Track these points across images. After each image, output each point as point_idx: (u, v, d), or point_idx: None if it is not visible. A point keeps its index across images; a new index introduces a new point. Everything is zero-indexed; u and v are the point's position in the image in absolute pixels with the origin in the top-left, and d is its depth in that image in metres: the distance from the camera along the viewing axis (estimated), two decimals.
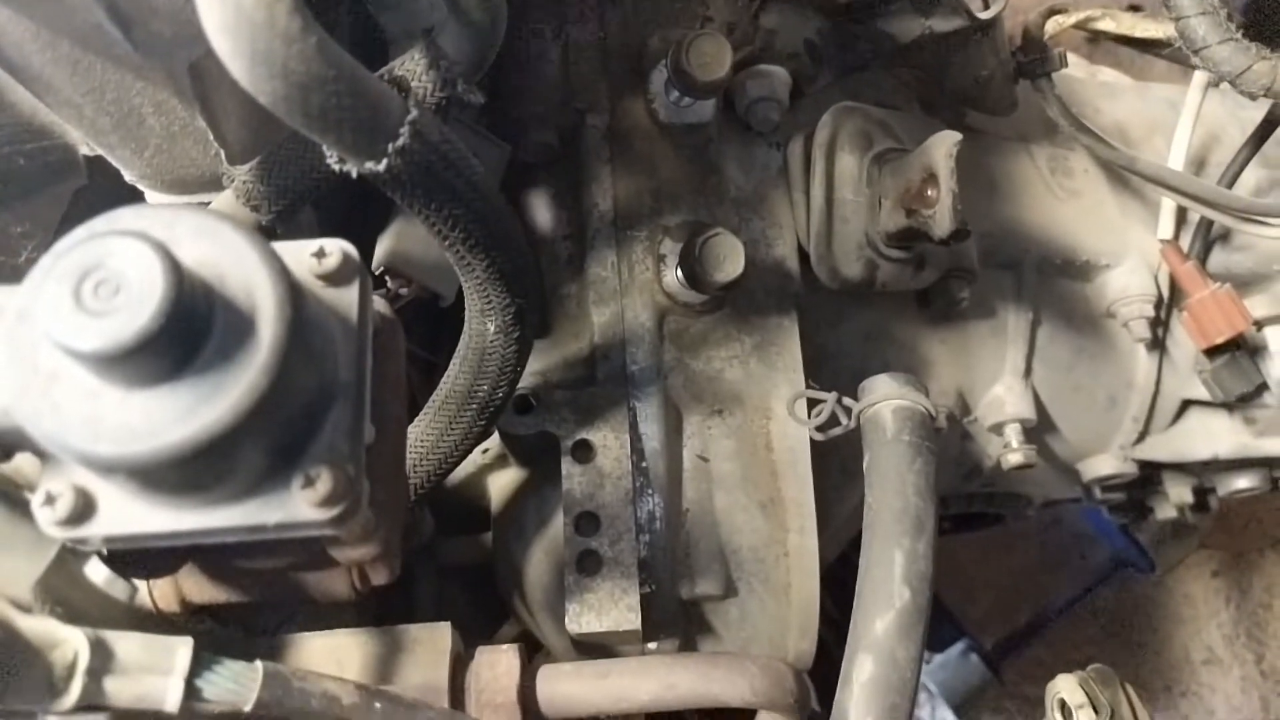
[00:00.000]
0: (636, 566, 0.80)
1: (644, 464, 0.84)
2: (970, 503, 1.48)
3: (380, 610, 0.87)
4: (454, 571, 1.01)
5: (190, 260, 0.40)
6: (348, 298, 0.48)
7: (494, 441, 0.92)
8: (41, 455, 0.45)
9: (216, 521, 0.44)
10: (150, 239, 0.39)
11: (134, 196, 0.70)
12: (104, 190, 0.74)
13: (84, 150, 0.68)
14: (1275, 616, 2.42)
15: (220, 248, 0.42)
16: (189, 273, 0.39)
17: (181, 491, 0.44)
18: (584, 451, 0.83)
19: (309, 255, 0.47)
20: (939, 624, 2.23)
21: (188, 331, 0.39)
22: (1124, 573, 2.34)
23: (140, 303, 0.37)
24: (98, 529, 0.44)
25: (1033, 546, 2.40)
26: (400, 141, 0.49)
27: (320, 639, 0.67)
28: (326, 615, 0.74)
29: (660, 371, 0.87)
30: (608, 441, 0.83)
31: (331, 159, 0.50)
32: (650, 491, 0.83)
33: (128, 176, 0.66)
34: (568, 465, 0.83)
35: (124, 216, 0.42)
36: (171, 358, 0.40)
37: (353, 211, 0.80)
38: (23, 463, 0.48)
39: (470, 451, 0.80)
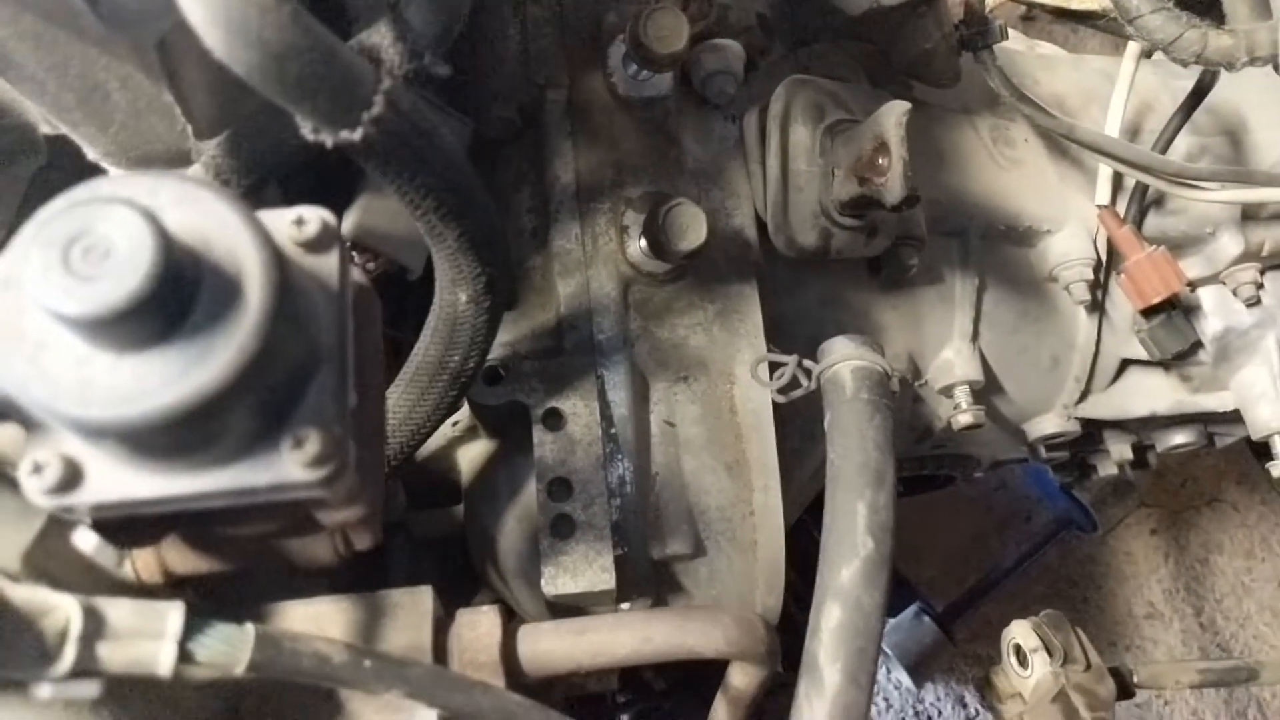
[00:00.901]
0: (609, 529, 0.82)
1: (613, 430, 0.86)
2: (922, 465, 1.52)
3: (355, 585, 0.88)
4: (426, 544, 1.02)
5: (175, 226, 0.41)
6: (328, 264, 0.49)
7: (463, 414, 0.93)
8: (27, 425, 0.45)
9: (206, 485, 0.45)
10: (136, 204, 0.39)
11: (95, 174, 0.70)
12: (64, 169, 0.73)
13: (44, 129, 0.68)
14: (1212, 571, 2.50)
15: (203, 213, 0.43)
16: (175, 237, 0.40)
17: (171, 456, 0.45)
18: (554, 419, 0.85)
19: (288, 223, 0.48)
20: (891, 588, 2.27)
21: (176, 295, 0.40)
22: (1068, 533, 2.40)
23: (129, 266, 0.38)
24: (86, 496, 0.45)
25: (980, 510, 2.46)
26: (375, 110, 0.50)
27: (301, 607, 0.68)
28: (302, 589, 0.75)
29: (626, 340, 0.89)
30: (577, 409, 0.85)
31: (305, 129, 0.51)
32: (620, 457, 0.85)
33: (90, 154, 0.65)
34: (539, 433, 0.84)
35: (104, 185, 0.42)
36: (160, 321, 0.40)
37: (316, 187, 0.81)
38: (3, 437, 0.48)
39: (442, 423, 0.81)
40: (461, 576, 1.01)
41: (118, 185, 0.42)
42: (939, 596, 2.31)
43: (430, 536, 1.03)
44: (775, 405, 0.91)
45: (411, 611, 0.69)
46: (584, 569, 0.81)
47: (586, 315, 0.89)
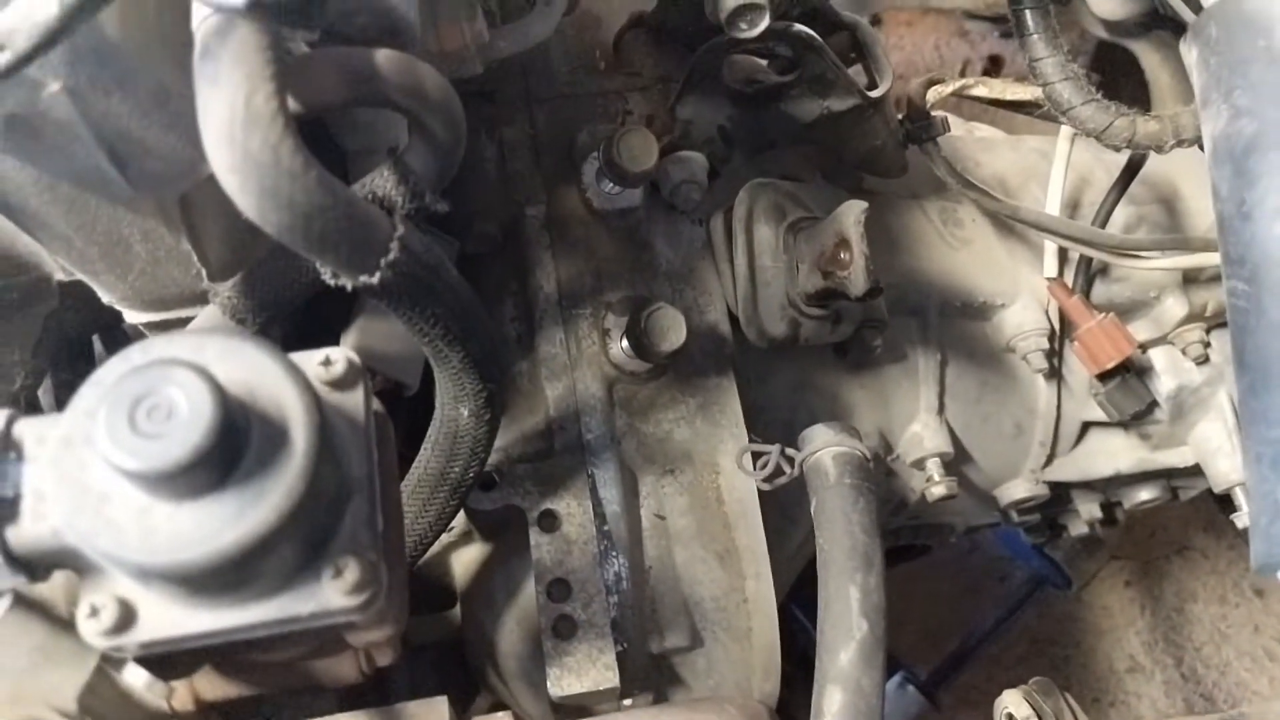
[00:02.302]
0: (610, 627, 0.85)
1: (606, 527, 0.89)
2: (898, 536, 1.55)
3: (355, 694, 0.90)
4: (422, 650, 1.04)
5: (224, 379, 0.45)
6: (353, 400, 0.53)
7: (457, 519, 0.96)
8: (80, 571, 0.48)
9: (254, 617, 0.48)
10: (194, 365, 0.43)
11: (107, 316, 0.74)
12: (75, 312, 0.77)
13: (59, 276, 0.71)
14: (1189, 620, 2.52)
15: (247, 366, 0.47)
16: (227, 392, 0.44)
17: (220, 592, 0.48)
18: (549, 520, 0.88)
19: (316, 364, 0.52)
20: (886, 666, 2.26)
21: (230, 445, 0.44)
22: (1043, 591, 2.40)
23: (192, 424, 0.42)
24: (140, 635, 0.48)
25: (955, 575, 2.47)
26: (391, 256, 0.54)
27: None
28: (314, 705, 0.76)
29: (614, 438, 0.93)
30: (571, 509, 0.88)
31: (326, 275, 0.55)
32: (615, 553, 0.89)
33: (107, 299, 0.69)
34: (535, 535, 0.87)
35: (157, 346, 0.46)
36: (217, 471, 0.44)
37: (309, 315, 0.85)
38: (57, 584, 0.51)
39: (443, 532, 0.84)
40: (458, 681, 1.03)
41: (169, 346, 0.46)
42: (921, 663, 2.31)
43: (426, 642, 1.04)
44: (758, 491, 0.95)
45: None
46: (588, 668, 0.84)
47: (574, 416, 0.93)
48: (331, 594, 0.48)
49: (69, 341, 0.78)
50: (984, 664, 2.33)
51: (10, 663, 0.49)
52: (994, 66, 2.40)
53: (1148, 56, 1.19)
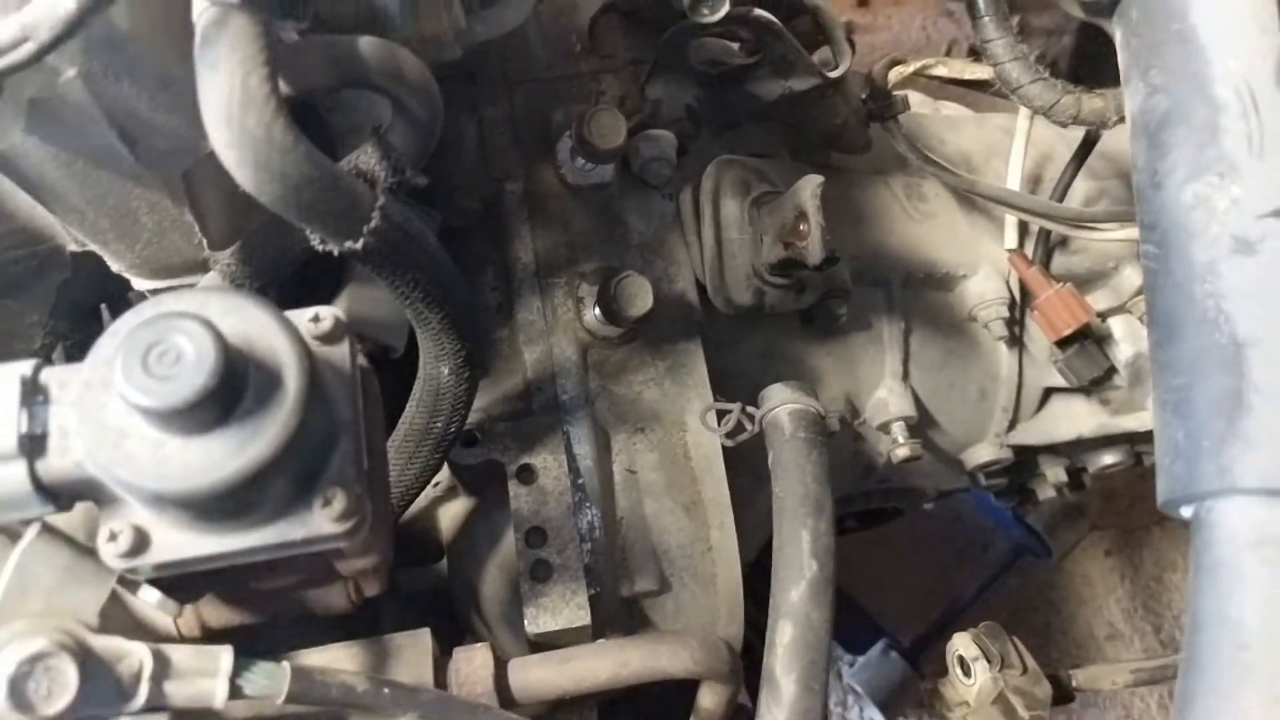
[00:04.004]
0: (583, 570, 0.91)
1: (580, 480, 0.96)
2: (869, 499, 1.60)
3: (347, 634, 0.96)
4: (411, 599, 1.10)
5: (226, 331, 0.51)
6: (340, 353, 0.59)
7: (443, 475, 1.02)
8: (100, 501, 0.55)
9: (253, 541, 0.55)
10: (199, 317, 0.49)
11: (117, 283, 0.80)
12: (85, 281, 0.83)
13: (72, 247, 0.78)
14: (1167, 588, 2.57)
15: (246, 319, 0.53)
16: (229, 341, 0.50)
17: (223, 520, 0.54)
18: (527, 474, 0.95)
19: (307, 320, 0.58)
20: (857, 626, 2.31)
21: (231, 387, 0.50)
22: (1024, 560, 2.44)
23: (198, 367, 0.48)
24: (153, 557, 0.54)
25: (938, 544, 2.52)
26: (373, 224, 0.61)
27: (316, 653, 0.76)
28: (310, 640, 0.83)
29: (588, 398, 0.99)
30: (547, 463, 0.95)
31: (315, 241, 0.61)
32: (588, 504, 0.95)
33: (115, 267, 0.75)
34: (514, 487, 0.94)
35: (165, 302, 0.52)
36: (220, 409, 0.50)
37: (304, 280, 0.91)
38: (78, 514, 0.58)
39: (427, 484, 0.91)
40: (445, 627, 1.09)
41: (176, 301, 0.52)
42: (904, 631, 2.35)
43: (415, 592, 1.11)
44: (725, 449, 1.02)
45: (413, 651, 0.78)
46: (562, 608, 0.91)
47: (550, 378, 0.99)
48: (321, 521, 0.55)
49: (79, 309, 0.85)
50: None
51: (41, 581, 0.56)
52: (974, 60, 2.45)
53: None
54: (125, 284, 0.80)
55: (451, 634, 1.10)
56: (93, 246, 0.73)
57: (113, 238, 0.70)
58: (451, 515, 1.06)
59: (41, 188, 0.65)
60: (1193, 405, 0.66)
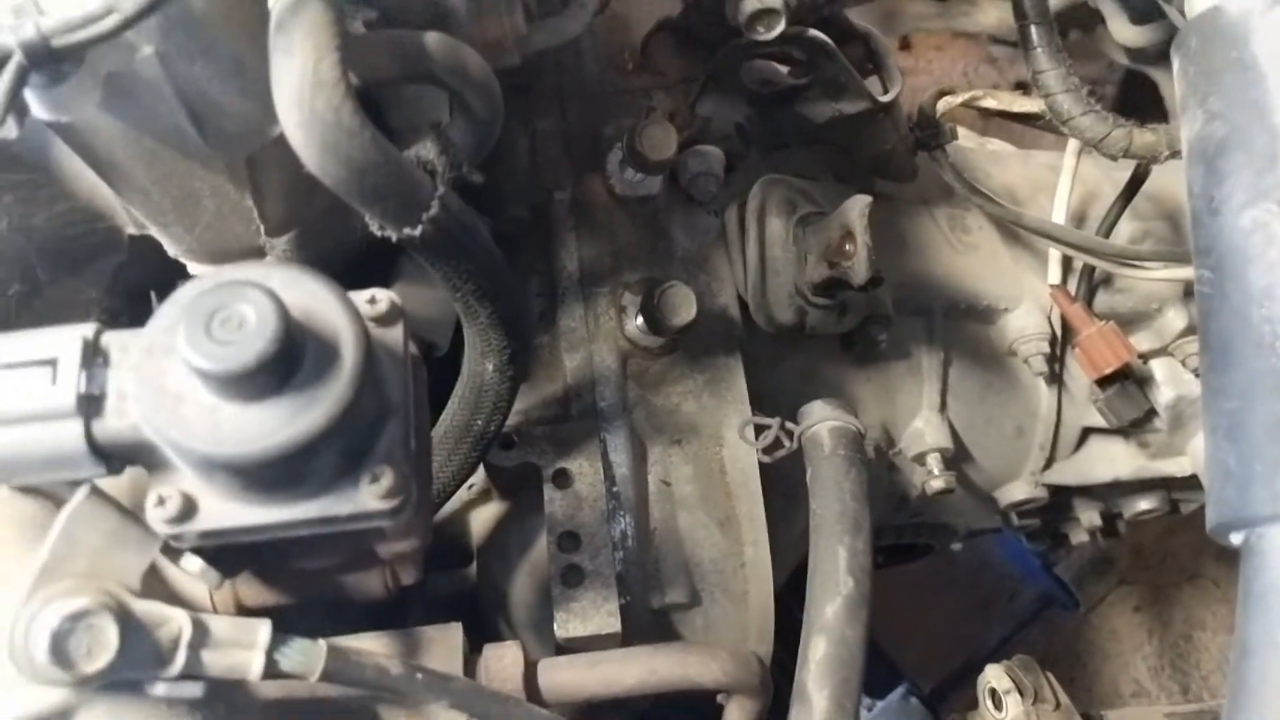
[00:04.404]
0: (615, 578, 0.91)
1: (615, 489, 0.96)
2: (900, 534, 1.59)
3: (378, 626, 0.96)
4: (439, 604, 1.10)
5: (287, 302, 0.52)
6: (394, 336, 0.60)
7: (477, 478, 1.03)
8: (150, 467, 0.56)
9: (299, 514, 0.55)
10: (262, 286, 0.50)
11: (169, 271, 0.81)
12: (141, 265, 0.85)
13: (130, 230, 0.79)
14: (1196, 648, 2.52)
15: (307, 293, 0.54)
16: (289, 311, 0.51)
17: (271, 490, 0.55)
18: (563, 478, 0.95)
19: (364, 301, 0.59)
20: (878, 670, 2.28)
21: (289, 357, 0.51)
22: (1051, 611, 2.41)
23: (259, 334, 0.49)
24: (200, 524, 0.55)
25: (964, 591, 2.49)
26: (432, 212, 0.62)
27: (348, 641, 0.76)
28: (339, 634, 0.83)
29: (626, 407, 1.00)
30: (583, 469, 0.95)
31: (374, 227, 0.63)
32: (622, 513, 0.95)
33: (173, 251, 0.77)
34: (549, 491, 0.94)
35: (229, 272, 0.53)
36: (277, 377, 0.51)
37: (353, 281, 0.92)
38: (128, 478, 0.58)
39: (464, 482, 0.91)
40: (472, 630, 1.09)
41: (239, 271, 0.53)
42: (926, 678, 2.32)
43: (442, 596, 1.11)
44: (761, 466, 1.01)
45: (443, 645, 0.78)
46: (592, 614, 0.90)
47: (590, 386, 1.00)
48: (367, 498, 0.55)
49: (134, 292, 0.86)
50: None
51: (87, 543, 0.56)
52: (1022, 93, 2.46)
53: (1167, 85, 1.25)
54: (179, 272, 0.81)
55: (478, 639, 1.10)
56: (152, 229, 0.74)
57: (173, 220, 0.71)
58: (483, 520, 1.06)
59: (109, 165, 0.66)
60: (1245, 430, 0.65)
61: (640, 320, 0.99)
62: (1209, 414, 0.70)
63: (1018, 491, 1.42)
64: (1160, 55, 1.19)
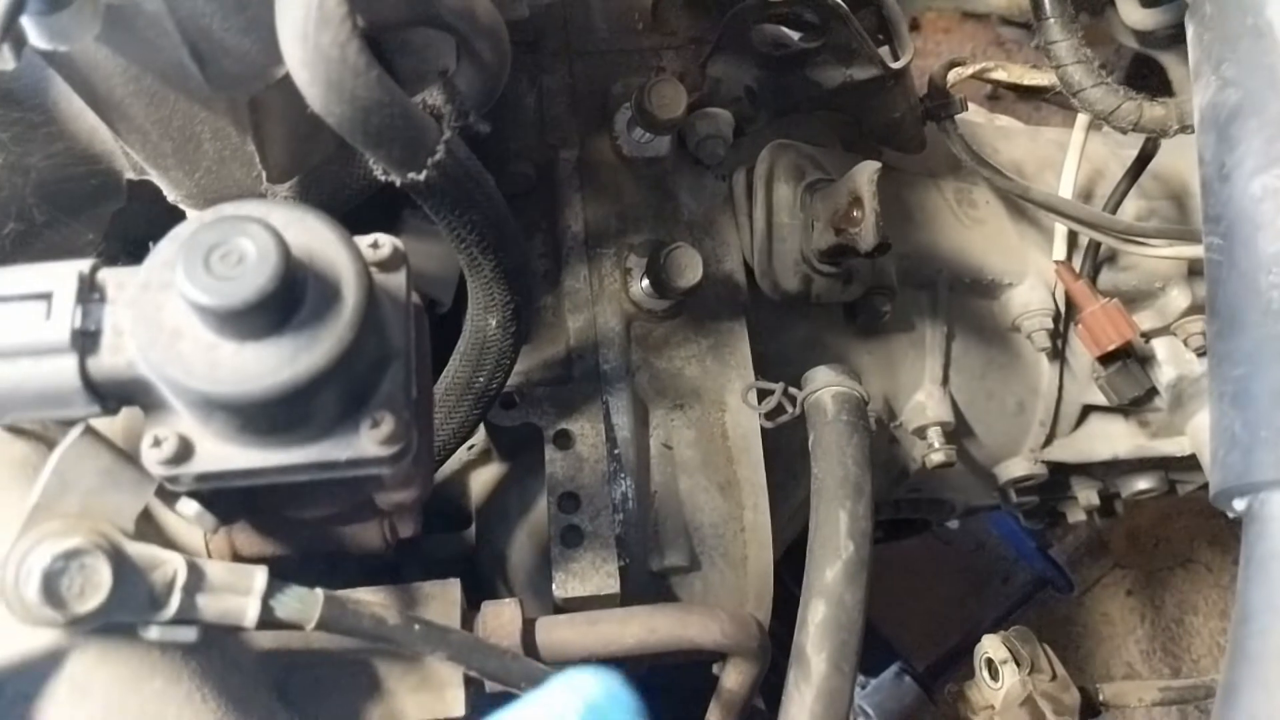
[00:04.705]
0: (614, 539, 0.91)
1: (616, 451, 0.95)
2: (898, 509, 1.59)
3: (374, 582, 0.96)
4: (437, 565, 1.10)
5: (288, 240, 0.51)
6: (396, 281, 0.59)
7: (477, 439, 1.02)
8: (146, 408, 0.55)
9: (297, 458, 0.54)
10: (263, 221, 0.49)
11: (167, 219, 0.80)
12: (138, 212, 0.84)
13: (129, 174, 0.78)
14: (1188, 631, 2.54)
15: (309, 232, 0.53)
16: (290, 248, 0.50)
17: (269, 433, 0.54)
18: (564, 439, 0.94)
19: (367, 245, 0.58)
20: (873, 648, 2.29)
21: (290, 295, 0.50)
22: (1045, 593, 2.43)
23: (259, 269, 0.48)
24: (196, 467, 0.54)
25: (958, 572, 2.51)
26: (437, 156, 0.60)
27: (343, 594, 0.76)
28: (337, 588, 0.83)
29: (629, 370, 0.99)
30: (584, 431, 0.95)
31: (378, 171, 0.61)
32: (623, 475, 0.95)
33: (171, 196, 0.76)
34: (550, 451, 0.94)
35: (229, 209, 0.52)
36: (277, 316, 0.50)
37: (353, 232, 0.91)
38: (122, 419, 0.57)
39: (465, 441, 0.90)
40: (470, 593, 1.09)
41: (240, 207, 0.52)
42: (919, 656, 2.34)
43: (439, 558, 1.11)
44: (762, 438, 1.01)
45: (442, 601, 0.77)
46: (591, 574, 0.90)
47: (593, 347, 0.99)
48: (367, 443, 0.54)
49: (131, 239, 0.85)
50: None
51: (80, 483, 0.55)
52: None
53: (1175, 69, 1.24)
54: (176, 219, 0.80)
55: (476, 600, 1.10)
56: (151, 174, 0.73)
57: (173, 163, 0.70)
58: (482, 481, 1.05)
59: (109, 104, 0.65)
60: (1251, 395, 0.64)
61: (645, 282, 0.98)
62: (1215, 380, 0.69)
63: (1017, 468, 1.42)
64: (1170, 38, 1.18)
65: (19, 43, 0.54)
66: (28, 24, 0.54)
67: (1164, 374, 1.42)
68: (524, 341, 0.86)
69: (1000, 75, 1.29)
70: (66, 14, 0.53)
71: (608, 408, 0.96)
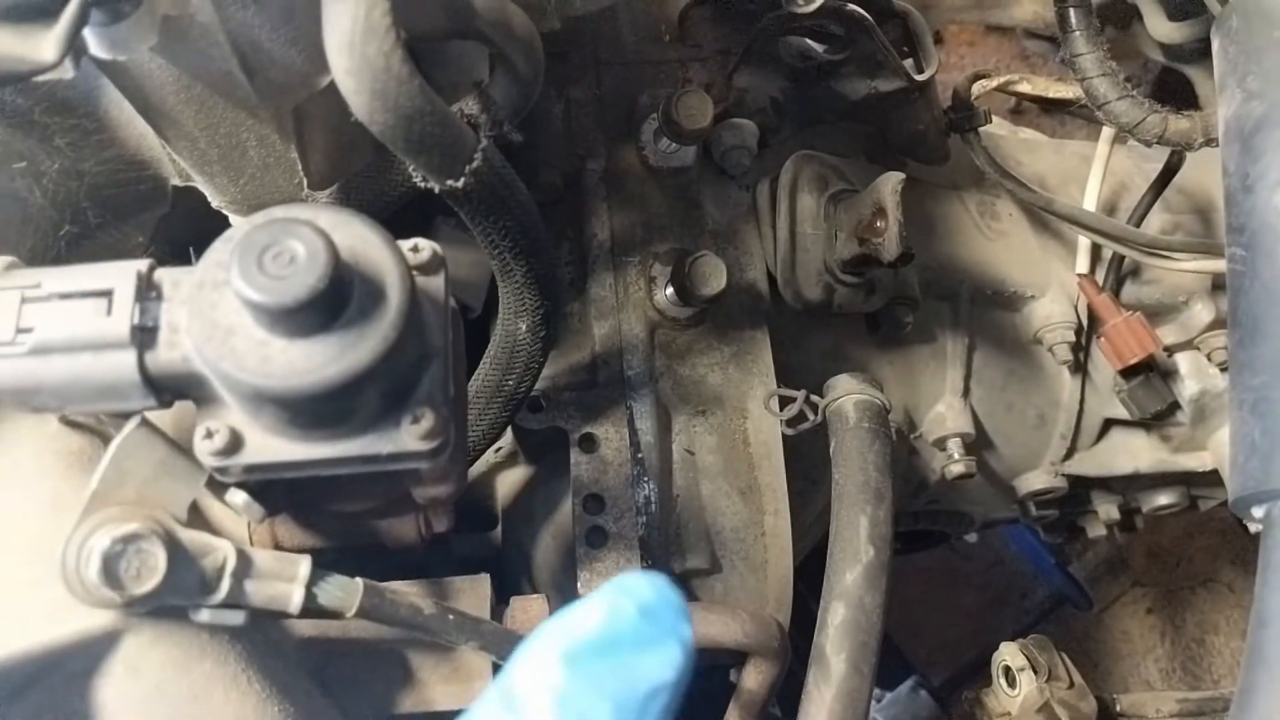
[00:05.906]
0: (638, 540, 0.93)
1: (640, 455, 0.97)
2: (917, 520, 1.59)
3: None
4: (464, 565, 1.12)
5: (336, 241, 0.53)
6: (436, 284, 0.61)
7: (505, 441, 1.04)
8: (199, 401, 0.57)
9: (341, 451, 0.57)
10: (312, 224, 0.52)
11: (211, 224, 0.83)
12: (182, 219, 0.86)
13: (175, 181, 0.81)
14: (1208, 651, 2.52)
15: (355, 235, 0.55)
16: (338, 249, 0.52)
17: (316, 426, 0.56)
18: (589, 443, 0.96)
19: (408, 249, 0.60)
20: (888, 662, 2.29)
21: (338, 295, 0.52)
22: (1063, 610, 2.43)
23: (309, 269, 0.50)
24: (246, 458, 0.56)
25: (977, 587, 2.50)
26: (475, 164, 0.63)
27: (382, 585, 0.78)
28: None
29: (652, 376, 1.01)
30: (609, 435, 0.96)
31: (417, 178, 0.64)
32: (646, 479, 0.96)
33: (216, 202, 0.78)
34: (575, 454, 0.96)
35: (280, 212, 0.55)
36: (325, 314, 0.52)
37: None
38: (176, 412, 0.60)
39: (494, 443, 0.92)
40: (496, 593, 1.11)
41: (290, 210, 0.54)
42: (935, 671, 2.33)
43: (466, 557, 1.13)
44: (784, 442, 1.02)
45: (472, 595, 0.79)
46: (615, 574, 0.92)
47: (618, 354, 1.01)
48: (408, 438, 0.56)
49: (176, 244, 0.88)
50: None
51: (136, 472, 0.58)
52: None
53: (1201, 83, 1.25)
54: (220, 226, 0.83)
55: (503, 599, 1.12)
56: (197, 179, 0.76)
57: (219, 170, 0.73)
58: (509, 483, 1.08)
59: (159, 111, 0.68)
60: (1271, 404, 0.66)
61: (670, 290, 1.00)
62: (1235, 388, 0.70)
63: (1037, 481, 1.43)
64: (1197, 52, 1.19)
65: (79, 53, 0.57)
66: (88, 34, 0.57)
67: (1186, 388, 1.41)
68: (552, 347, 0.88)
69: (1025, 88, 1.30)
70: (126, 25, 0.56)
71: (632, 413, 0.98)
